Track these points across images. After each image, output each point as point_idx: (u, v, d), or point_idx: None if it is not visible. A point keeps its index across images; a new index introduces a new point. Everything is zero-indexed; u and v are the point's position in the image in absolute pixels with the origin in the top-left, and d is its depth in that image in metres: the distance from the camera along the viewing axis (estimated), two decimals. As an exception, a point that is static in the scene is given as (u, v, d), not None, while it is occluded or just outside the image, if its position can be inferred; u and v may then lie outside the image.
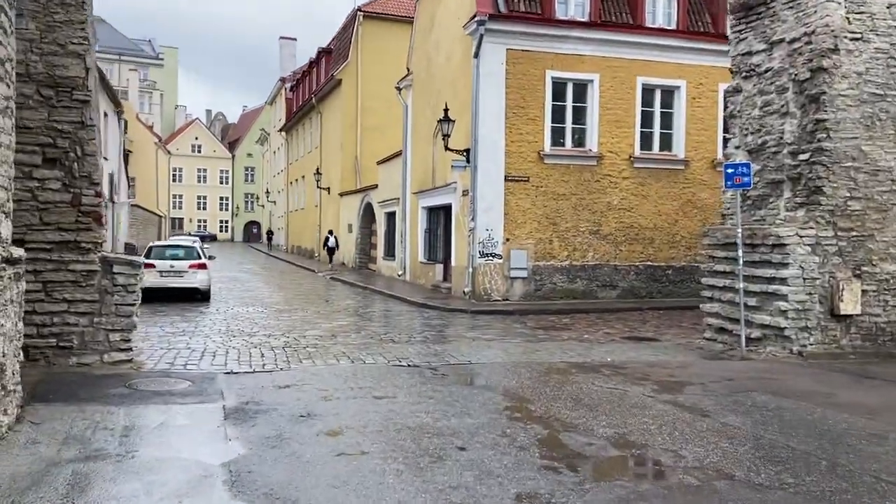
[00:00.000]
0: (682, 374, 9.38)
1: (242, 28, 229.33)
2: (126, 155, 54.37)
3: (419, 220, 23.42)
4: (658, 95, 19.70)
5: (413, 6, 34.27)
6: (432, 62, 22.36)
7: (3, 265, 5.68)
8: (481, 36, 17.80)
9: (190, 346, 11.12)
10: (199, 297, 18.05)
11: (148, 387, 7.77)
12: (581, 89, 19.10)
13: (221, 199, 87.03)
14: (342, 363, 9.75)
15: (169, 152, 76.74)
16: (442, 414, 6.83)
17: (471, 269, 18.26)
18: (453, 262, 20.11)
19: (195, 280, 17.81)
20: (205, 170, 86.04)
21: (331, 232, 35.30)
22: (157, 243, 19.08)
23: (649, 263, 19.52)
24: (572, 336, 13.23)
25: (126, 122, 56.23)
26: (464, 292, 18.55)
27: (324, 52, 41.58)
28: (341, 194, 35.45)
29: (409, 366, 9.56)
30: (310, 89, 44.04)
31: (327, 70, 39.91)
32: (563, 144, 18.99)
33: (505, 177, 18.24)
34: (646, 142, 19.63)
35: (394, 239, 26.99)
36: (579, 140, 19.26)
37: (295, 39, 64.80)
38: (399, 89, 25.58)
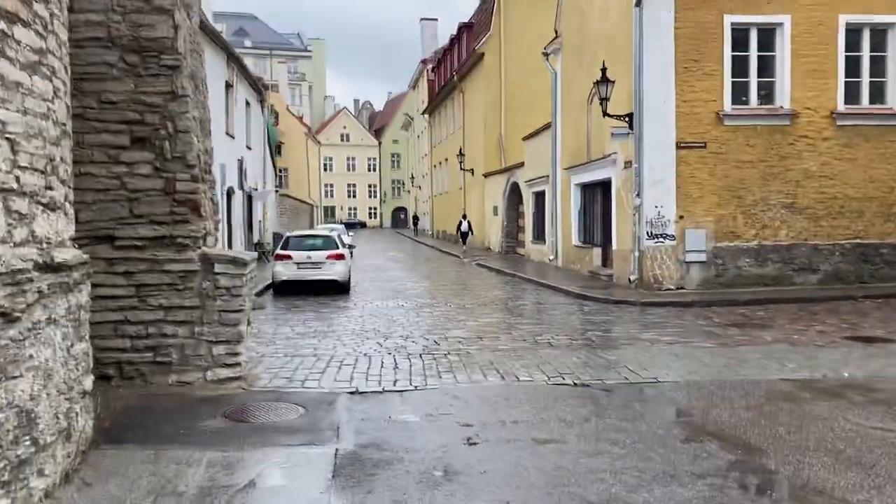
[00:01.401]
0: (971, 402, 6.59)
1: (386, 16, 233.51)
2: (278, 146, 55.92)
3: (572, 198, 21.04)
4: (866, 36, 16.03)
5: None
6: (585, 20, 19.82)
7: (34, 273, 4.19)
8: (644, -21, 15.12)
9: (317, 351, 9.64)
10: (337, 289, 16.87)
11: (250, 416, 6.21)
12: (767, 35, 15.88)
13: (370, 186, 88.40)
14: (490, 379, 7.79)
15: (319, 142, 78.65)
16: (636, 477, 4.68)
17: (637, 253, 15.73)
18: (614, 246, 17.61)
19: (333, 271, 16.59)
20: (353, 158, 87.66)
21: (464, 216, 33.79)
22: (295, 233, 18.06)
23: (858, 241, 16.02)
24: (777, 337, 10.50)
25: (277, 115, 57.94)
26: (629, 280, 16.06)
27: (465, 27, 39.82)
28: (485, 175, 33.65)
29: (575, 385, 7.45)
30: (451, 68, 42.51)
31: (468, 46, 38.13)
32: (746, 102, 15.91)
33: (676, 143, 15.49)
34: (852, 94, 16.06)
35: (543, 221, 24.76)
36: (767, 96, 16.06)
37: (436, 20, 63.75)
38: (546, 55, 23.17)
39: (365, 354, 9.36)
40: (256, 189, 26.91)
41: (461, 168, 37.45)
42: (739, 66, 15.79)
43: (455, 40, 42.01)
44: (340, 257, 16.74)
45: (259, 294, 16.08)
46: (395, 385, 7.55)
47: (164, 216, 7.03)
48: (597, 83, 16.32)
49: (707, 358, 8.85)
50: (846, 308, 13.43)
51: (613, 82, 16.06)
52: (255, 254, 7.95)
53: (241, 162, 14.15)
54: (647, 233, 15.53)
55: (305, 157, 67.74)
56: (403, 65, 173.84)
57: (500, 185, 31.04)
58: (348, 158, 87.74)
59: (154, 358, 7.07)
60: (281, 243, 17.33)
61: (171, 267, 7.03)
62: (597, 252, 19.47)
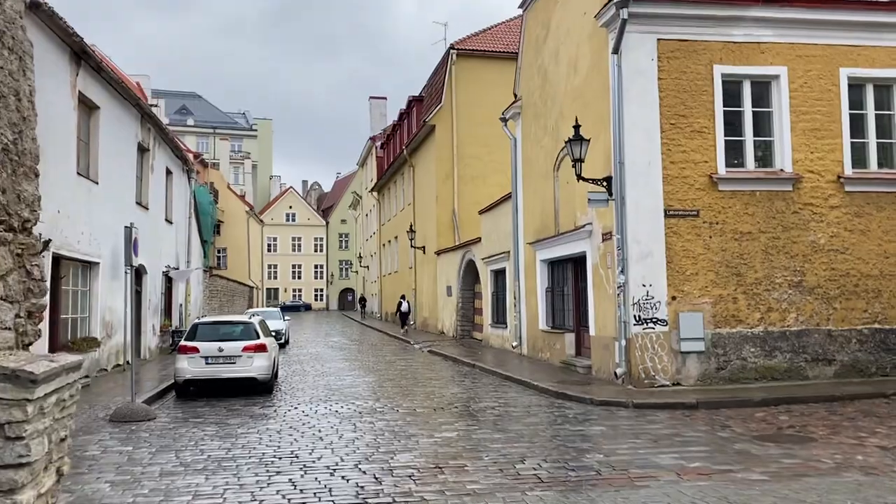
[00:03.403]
0: None
1: (338, 101, 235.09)
2: (217, 225, 52.44)
3: (538, 276, 18.43)
4: (870, 92, 14.21)
5: (513, 38, 30.25)
6: (549, 78, 17.72)
7: None
8: (623, 23, 13.00)
9: (196, 499, 6.46)
10: (258, 388, 13.63)
11: None
12: (762, 89, 13.90)
13: (316, 267, 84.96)
14: (460, 567, 4.77)
15: (262, 222, 75.42)
16: None
17: (623, 342, 13.01)
18: (591, 332, 14.90)
19: (251, 367, 13.34)
20: (299, 238, 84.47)
21: (403, 297, 34.07)
22: (204, 320, 14.68)
23: (877, 326, 13.68)
24: (836, 458, 7.77)
25: (217, 193, 54.72)
26: (615, 374, 13.25)
27: (415, 101, 38.00)
28: (438, 252, 31.00)
29: (603, 579, 4.49)
30: (401, 143, 40.46)
31: (418, 119, 36.19)
32: (742, 164, 13.73)
33: (665, 211, 13.11)
34: (859, 156, 14.08)
35: (504, 302, 22.06)
36: (764, 158, 13.94)
37: (385, 98, 62.32)
38: (505, 120, 20.97)
39: (266, 506, 6.24)
40: (177, 268, 23.63)
41: (412, 246, 34.86)
42: (733, 123, 13.70)
43: (405, 115, 40.15)
44: (261, 349, 13.53)
45: (152, 400, 12.71)
46: (298, 586, 4.46)
47: None
48: (569, 142, 13.94)
49: (777, 507, 5.98)
50: (883, 410, 10.89)
51: (588, 140, 13.74)
52: (77, 359, 4.88)
53: (128, 230, 11.09)
54: (635, 317, 12.89)
55: (247, 236, 64.32)
56: (354, 148, 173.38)
57: (454, 263, 28.39)
58: (293, 239, 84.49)
59: None
60: (186, 333, 14.04)
61: None
62: (569, 338, 16.71)
